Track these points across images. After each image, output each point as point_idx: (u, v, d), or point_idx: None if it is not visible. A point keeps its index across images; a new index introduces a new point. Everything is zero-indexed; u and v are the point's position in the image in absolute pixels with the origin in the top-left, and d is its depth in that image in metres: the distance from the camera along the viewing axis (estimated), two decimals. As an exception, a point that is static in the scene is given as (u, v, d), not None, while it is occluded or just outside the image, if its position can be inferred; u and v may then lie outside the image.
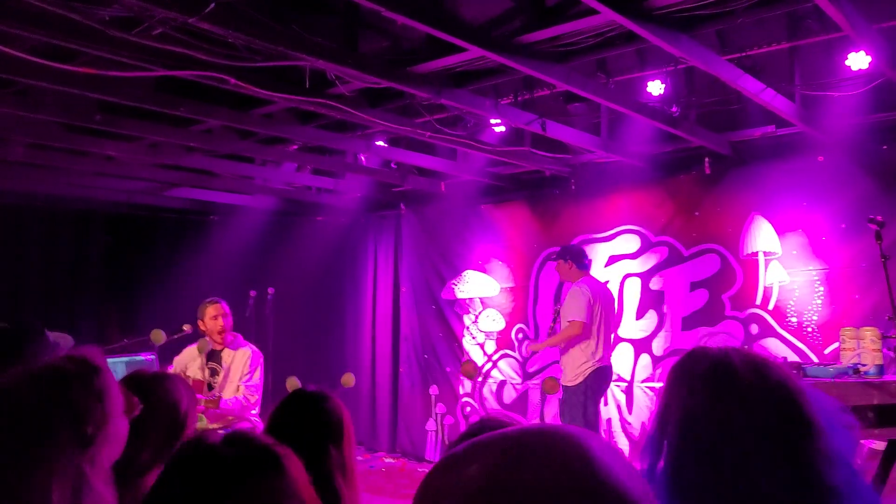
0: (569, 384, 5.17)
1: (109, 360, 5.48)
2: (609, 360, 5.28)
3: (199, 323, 4.65)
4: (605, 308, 5.24)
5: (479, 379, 7.00)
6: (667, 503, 1.15)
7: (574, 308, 5.16)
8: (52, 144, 5.57)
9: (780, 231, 5.42)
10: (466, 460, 0.63)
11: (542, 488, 0.59)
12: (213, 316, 4.59)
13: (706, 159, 5.81)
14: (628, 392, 6.04)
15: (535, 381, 6.71)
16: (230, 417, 4.56)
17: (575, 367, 5.14)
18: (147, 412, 1.78)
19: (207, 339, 4.60)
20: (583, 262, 5.40)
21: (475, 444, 0.65)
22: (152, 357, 5.35)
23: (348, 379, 4.36)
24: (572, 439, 0.63)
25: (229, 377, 4.54)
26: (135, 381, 2.03)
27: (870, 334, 3.20)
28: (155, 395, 2.01)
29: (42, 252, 7.18)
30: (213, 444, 0.99)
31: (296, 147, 6.17)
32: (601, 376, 5.18)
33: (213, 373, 4.56)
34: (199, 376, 4.60)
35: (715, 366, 1.20)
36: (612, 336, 5.46)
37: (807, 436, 1.12)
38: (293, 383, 3.73)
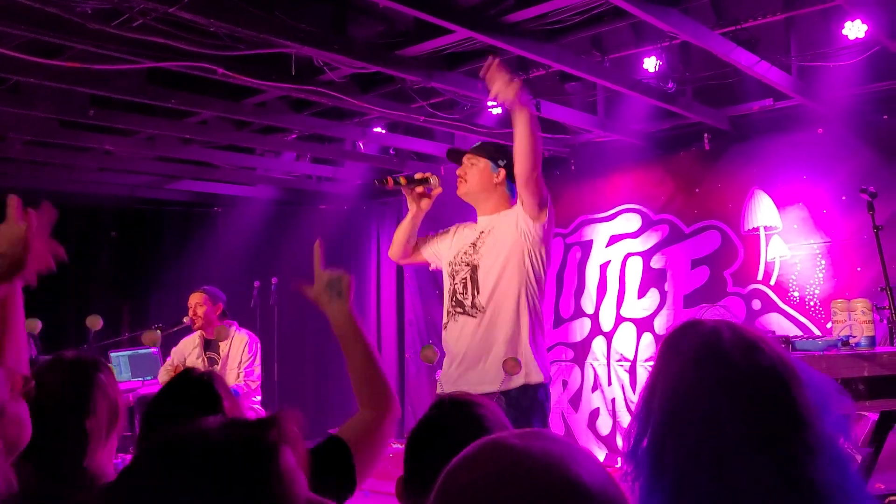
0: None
1: (114, 355, 5.47)
2: None
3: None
4: None
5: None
6: (647, 484, 1.11)
7: None
8: (50, 141, 5.60)
9: (781, 205, 5.35)
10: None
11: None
12: (191, 305, 4.65)
13: (705, 135, 5.74)
14: (632, 371, 6.01)
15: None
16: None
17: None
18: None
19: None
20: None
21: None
22: (157, 350, 5.39)
23: (153, 337, 4.32)
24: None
25: (228, 364, 4.57)
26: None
27: (861, 306, 3.17)
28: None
29: (50, 248, 7.24)
30: (204, 427, 0.90)
31: (294, 136, 6.17)
32: None
33: (212, 362, 4.59)
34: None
35: (703, 345, 1.14)
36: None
37: (792, 426, 1.07)
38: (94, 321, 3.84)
